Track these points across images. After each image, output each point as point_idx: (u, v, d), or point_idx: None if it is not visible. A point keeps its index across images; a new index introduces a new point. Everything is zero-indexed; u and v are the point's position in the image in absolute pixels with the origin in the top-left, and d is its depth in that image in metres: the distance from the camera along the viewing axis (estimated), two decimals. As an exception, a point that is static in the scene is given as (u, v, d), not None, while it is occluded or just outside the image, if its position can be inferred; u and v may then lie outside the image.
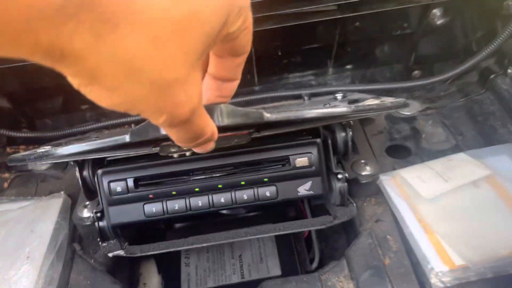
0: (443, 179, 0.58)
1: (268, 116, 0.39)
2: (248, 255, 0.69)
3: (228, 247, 0.71)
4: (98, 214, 0.52)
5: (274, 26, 0.61)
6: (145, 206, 0.51)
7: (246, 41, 0.30)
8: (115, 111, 0.74)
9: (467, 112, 0.71)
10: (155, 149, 0.46)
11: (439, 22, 0.67)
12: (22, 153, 0.48)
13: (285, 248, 0.70)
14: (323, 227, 0.53)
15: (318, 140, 0.51)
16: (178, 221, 0.76)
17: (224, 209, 0.53)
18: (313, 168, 0.51)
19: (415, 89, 0.75)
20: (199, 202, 0.51)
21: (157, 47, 0.21)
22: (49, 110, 0.75)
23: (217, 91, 0.34)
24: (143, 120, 0.38)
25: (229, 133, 0.45)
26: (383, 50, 0.73)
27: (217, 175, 0.52)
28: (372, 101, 0.46)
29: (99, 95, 0.22)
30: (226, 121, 0.36)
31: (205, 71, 0.33)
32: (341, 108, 0.42)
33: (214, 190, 0.51)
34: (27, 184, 0.70)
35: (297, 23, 0.61)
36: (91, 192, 0.54)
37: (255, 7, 0.28)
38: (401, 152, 0.67)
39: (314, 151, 0.51)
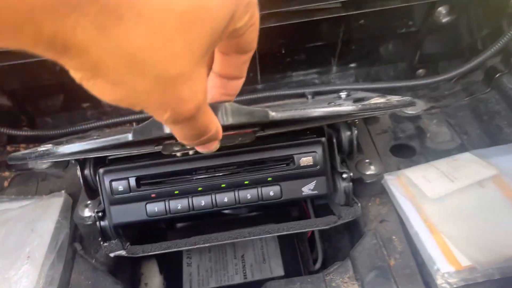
0: (449, 179, 0.57)
1: (273, 114, 0.39)
2: (251, 255, 0.69)
3: (230, 247, 0.70)
4: (100, 214, 0.51)
5: (278, 24, 0.60)
6: (147, 205, 0.51)
7: (252, 38, 0.29)
8: (116, 110, 0.73)
9: (472, 111, 0.70)
10: (158, 148, 0.45)
11: (444, 20, 0.66)
12: (23, 151, 0.47)
13: (288, 248, 0.69)
14: (327, 227, 0.52)
15: (323, 139, 0.50)
16: (179, 220, 0.75)
17: (227, 209, 0.52)
18: (318, 167, 0.51)
19: (419, 88, 0.74)
20: (202, 201, 0.51)
21: (162, 41, 0.20)
22: (50, 108, 0.74)
23: (222, 89, 0.34)
24: (146, 118, 0.38)
25: (233, 132, 0.44)
26: (388, 48, 0.73)
27: (221, 174, 0.51)
28: (378, 100, 0.45)
29: (102, 89, 0.21)
30: (231, 120, 0.35)
31: (210, 68, 0.33)
32: (347, 107, 0.42)
33: (217, 189, 0.51)
34: (28, 183, 0.69)
35: (301, 20, 0.60)
36: (92, 191, 0.54)
37: (259, 4, 0.27)
38: (406, 152, 0.67)
39: (319, 150, 0.50)
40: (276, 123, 0.46)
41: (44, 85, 0.69)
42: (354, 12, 0.62)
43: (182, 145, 0.45)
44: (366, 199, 0.60)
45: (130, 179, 0.50)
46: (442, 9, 0.65)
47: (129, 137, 0.39)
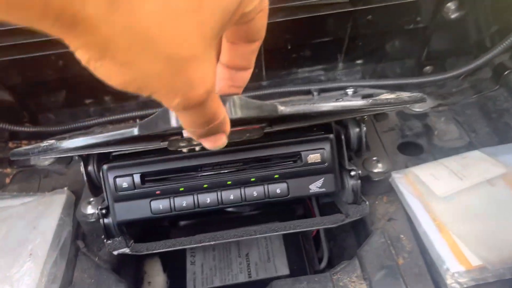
0: (458, 177, 0.57)
1: (282, 109, 0.38)
2: (255, 254, 0.68)
3: (234, 245, 0.70)
4: (103, 211, 0.50)
5: (285, 19, 0.59)
6: (152, 202, 0.50)
7: (261, 25, 0.29)
8: (119, 106, 0.72)
9: (480, 109, 0.69)
10: (164, 144, 0.44)
11: (453, 16, 0.65)
12: (25, 147, 0.46)
13: (293, 247, 0.68)
14: (335, 225, 0.51)
15: (331, 135, 0.50)
16: (182, 218, 0.74)
17: (233, 206, 0.52)
18: (326, 164, 0.50)
19: (426, 85, 0.73)
20: (207, 199, 0.50)
21: (174, 19, 0.19)
22: (52, 104, 0.73)
23: (229, 81, 0.33)
24: (149, 115, 0.37)
25: (241, 128, 0.43)
26: (395, 44, 0.72)
27: (226, 171, 0.50)
28: (388, 95, 0.44)
29: (109, 71, 0.20)
30: (239, 113, 0.34)
31: (218, 57, 0.32)
32: (358, 101, 0.41)
33: (223, 186, 0.50)
34: (30, 180, 0.68)
35: (308, 15, 0.59)
36: (96, 188, 0.53)
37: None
38: (413, 150, 0.66)
39: (327, 147, 0.49)
40: (284, 119, 0.45)
41: (47, 80, 0.68)
42: (362, 7, 0.61)
43: (189, 141, 0.44)
44: (373, 198, 0.59)
45: (134, 175, 0.49)
46: (451, 5, 0.64)
47: (135, 131, 0.38)
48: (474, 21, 0.69)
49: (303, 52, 0.70)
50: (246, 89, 0.35)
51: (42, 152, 0.43)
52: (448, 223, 0.52)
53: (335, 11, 0.60)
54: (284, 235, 0.70)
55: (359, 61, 0.73)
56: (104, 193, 0.50)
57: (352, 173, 0.50)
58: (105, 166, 0.49)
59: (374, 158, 0.59)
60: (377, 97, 0.41)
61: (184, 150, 0.45)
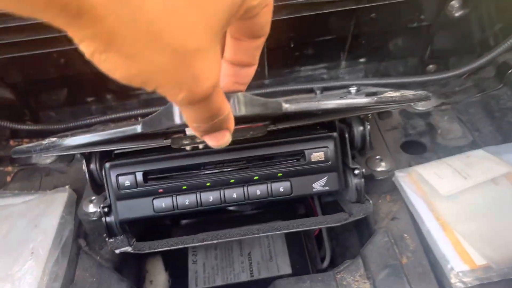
0: (462, 176, 0.56)
1: (287, 106, 0.37)
2: (257, 253, 0.68)
3: (236, 244, 0.69)
4: (106, 209, 0.50)
5: (288, 17, 0.59)
6: (155, 201, 0.50)
7: (265, 21, 0.28)
8: (121, 105, 0.72)
9: (483, 108, 0.69)
10: (167, 142, 0.44)
11: (457, 14, 0.65)
12: (27, 144, 0.46)
13: (295, 246, 0.68)
14: (338, 224, 0.51)
15: (335, 134, 0.49)
16: (184, 217, 0.74)
17: (236, 205, 0.51)
18: (329, 163, 0.49)
19: (429, 84, 0.73)
20: (210, 197, 0.49)
21: (180, 11, 0.19)
22: (53, 102, 0.73)
23: (233, 78, 0.33)
24: (151, 113, 0.36)
25: (244, 125, 0.43)
26: (398, 43, 0.71)
27: (229, 169, 0.50)
28: (393, 93, 0.44)
29: (114, 64, 0.20)
30: (243, 110, 0.34)
31: (222, 52, 0.31)
32: (363, 99, 0.40)
33: (226, 185, 0.50)
34: (31, 178, 0.68)
35: (312, 13, 0.59)
36: (98, 186, 0.53)
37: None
38: (416, 148, 0.65)
39: (330, 145, 0.49)
40: (288, 117, 0.45)
41: (48, 78, 0.68)
42: (366, 5, 0.61)
43: (192, 139, 0.44)
44: (376, 197, 0.58)
45: (137, 173, 0.49)
46: (455, 3, 0.64)
47: (138, 129, 0.37)
48: (477, 19, 0.69)
49: (306, 50, 0.69)
50: (248, 88, 0.35)
51: (44, 150, 0.43)
52: (452, 222, 0.52)
53: (338, 9, 0.60)
54: (286, 234, 0.70)
55: (362, 60, 0.73)
56: (107, 192, 0.50)
57: (356, 171, 0.50)
58: (107, 164, 0.49)
59: (377, 157, 0.59)
60: (382, 95, 0.41)
61: (188, 148, 0.45)
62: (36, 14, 0.17)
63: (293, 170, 0.50)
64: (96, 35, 0.18)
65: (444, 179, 0.56)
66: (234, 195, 0.50)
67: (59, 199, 0.60)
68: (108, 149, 0.47)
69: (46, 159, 0.69)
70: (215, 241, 0.50)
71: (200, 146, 0.44)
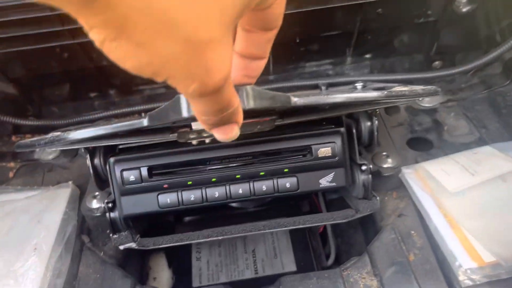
0: (469, 173, 0.56)
1: (295, 100, 0.37)
2: (262, 250, 0.67)
3: (240, 241, 0.69)
4: (110, 205, 0.49)
5: (294, 11, 0.58)
6: (159, 196, 0.49)
7: (278, 13, 0.28)
8: (124, 100, 0.71)
9: (490, 104, 0.68)
10: (173, 136, 0.43)
11: (464, 9, 0.64)
12: (31, 138, 0.45)
13: (300, 243, 0.68)
14: (345, 220, 0.50)
15: (342, 129, 0.49)
16: (187, 214, 0.73)
17: (241, 201, 0.51)
18: (337, 158, 0.49)
19: (435, 80, 0.72)
20: (216, 193, 0.49)
21: (193, 1, 0.19)
22: (56, 97, 0.72)
23: (243, 71, 0.32)
24: (154, 109, 0.36)
25: (252, 120, 0.42)
26: (405, 39, 0.71)
27: (235, 164, 0.49)
28: (402, 88, 0.43)
29: (125, 52, 0.19)
30: (252, 104, 0.33)
31: (233, 43, 0.31)
32: (373, 93, 0.40)
33: (232, 180, 0.49)
34: (33, 174, 0.67)
35: (318, 7, 0.58)
36: (102, 182, 0.52)
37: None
38: (423, 145, 0.65)
39: (338, 140, 0.48)
40: (296, 111, 0.44)
41: (51, 73, 0.67)
42: (372, 0, 0.60)
43: (198, 133, 0.43)
44: (382, 193, 0.58)
45: (141, 169, 0.48)
46: (462, -2, 0.63)
47: (145, 122, 0.37)
48: (484, 15, 0.68)
49: (312, 45, 0.69)
50: (252, 84, 0.34)
51: (48, 144, 0.42)
52: (459, 219, 0.51)
53: (345, 4, 0.59)
54: (290, 231, 0.69)
55: (367, 56, 0.73)
56: (111, 187, 0.49)
57: (363, 167, 0.49)
58: (111, 159, 0.49)
59: (384, 153, 0.58)
60: (392, 89, 0.40)
61: (194, 142, 0.44)
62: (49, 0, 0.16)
63: (300, 166, 0.49)
64: (107, 22, 0.18)
65: (451, 175, 0.56)
66: (240, 191, 0.49)
67: (62, 195, 0.59)
68: (113, 143, 0.46)
69: (49, 154, 0.68)
70: (220, 237, 0.50)
71: (207, 140, 0.44)
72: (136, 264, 0.63)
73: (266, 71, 0.72)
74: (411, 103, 0.69)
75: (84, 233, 0.58)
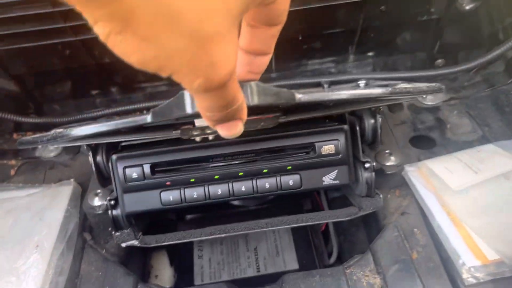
0: (472, 171, 0.55)
1: (300, 96, 0.37)
2: (264, 248, 0.67)
3: (242, 239, 0.69)
4: (112, 202, 0.49)
5: (298, 8, 0.58)
6: (162, 193, 0.49)
7: (283, 8, 0.28)
8: (125, 98, 0.71)
9: (493, 102, 0.68)
10: (176, 133, 0.43)
11: (468, 7, 0.64)
12: (33, 135, 0.45)
13: (302, 242, 0.67)
14: (348, 218, 0.50)
15: (346, 126, 0.48)
16: (189, 211, 0.73)
17: (244, 198, 0.51)
18: (340, 156, 0.49)
19: (438, 78, 0.72)
20: (218, 190, 0.49)
21: None
22: (58, 95, 0.72)
23: (248, 67, 0.32)
24: (156, 106, 0.36)
25: (255, 117, 0.42)
26: (407, 37, 0.70)
27: (238, 162, 0.49)
28: (406, 85, 0.43)
29: (130, 46, 0.19)
30: (256, 100, 0.33)
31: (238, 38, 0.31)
32: (377, 90, 0.39)
33: (235, 178, 0.49)
34: (35, 172, 0.67)
35: (321, 5, 0.58)
36: (104, 179, 0.52)
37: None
38: (426, 143, 0.65)
39: (341, 138, 0.48)
40: (299, 108, 0.44)
41: (53, 70, 0.67)
42: (376, -3, 0.60)
43: (202, 130, 0.43)
44: (385, 191, 0.58)
45: (144, 166, 0.48)
46: (466, -5, 0.63)
47: (148, 118, 0.36)
48: (487, 13, 0.68)
49: (314, 43, 0.68)
50: (255, 81, 0.34)
51: (51, 140, 0.42)
52: (463, 217, 0.51)
53: (348, 1, 0.59)
54: (293, 229, 0.69)
55: (370, 54, 0.72)
56: (113, 184, 0.49)
57: (367, 165, 0.49)
58: (114, 156, 0.48)
59: (387, 151, 0.58)
60: (396, 86, 0.40)
61: (197, 139, 0.44)
62: None
63: (303, 163, 0.49)
64: (112, 15, 0.18)
65: (454, 173, 0.56)
66: (243, 188, 0.49)
67: (64, 192, 0.59)
68: (116, 140, 0.46)
69: (50, 152, 0.68)
70: (223, 235, 0.50)
71: (210, 137, 0.44)
72: (138, 262, 0.63)
73: (268, 69, 0.71)
74: (414, 101, 0.68)
75: (86, 231, 0.58)
